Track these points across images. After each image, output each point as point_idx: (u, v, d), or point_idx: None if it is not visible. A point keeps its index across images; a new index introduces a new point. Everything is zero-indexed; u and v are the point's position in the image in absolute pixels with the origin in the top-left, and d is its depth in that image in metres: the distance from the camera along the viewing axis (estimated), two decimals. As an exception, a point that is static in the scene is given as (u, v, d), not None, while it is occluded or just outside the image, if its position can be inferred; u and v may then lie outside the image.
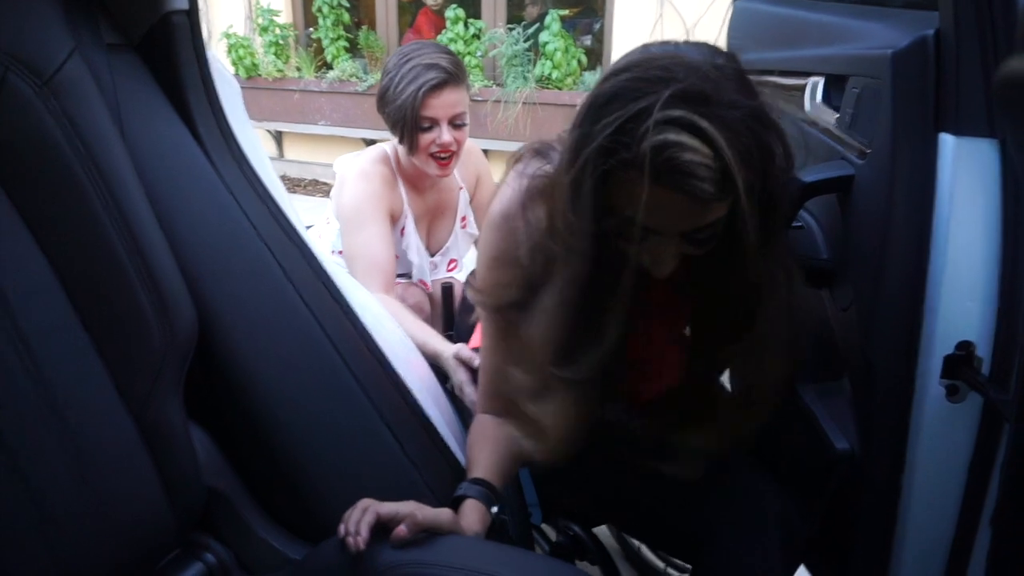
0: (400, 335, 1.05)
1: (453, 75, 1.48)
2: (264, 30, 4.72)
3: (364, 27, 4.83)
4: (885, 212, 0.83)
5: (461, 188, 1.74)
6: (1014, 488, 0.63)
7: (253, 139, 0.93)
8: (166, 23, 0.78)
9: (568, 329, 0.80)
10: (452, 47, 4.25)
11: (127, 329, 0.70)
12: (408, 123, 1.49)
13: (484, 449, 0.92)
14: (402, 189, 1.63)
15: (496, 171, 1.15)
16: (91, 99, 0.68)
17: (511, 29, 4.18)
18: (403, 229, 1.66)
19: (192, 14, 0.80)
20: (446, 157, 1.54)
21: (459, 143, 1.54)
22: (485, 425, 0.96)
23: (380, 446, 0.84)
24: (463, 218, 1.77)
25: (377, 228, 1.54)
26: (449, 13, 4.28)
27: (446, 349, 1.27)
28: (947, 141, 0.77)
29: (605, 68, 0.75)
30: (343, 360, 0.84)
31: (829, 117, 1.00)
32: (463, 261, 1.84)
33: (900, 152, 0.81)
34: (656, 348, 0.95)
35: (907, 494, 0.86)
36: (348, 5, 4.67)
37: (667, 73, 0.66)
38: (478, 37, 4.31)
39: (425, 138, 1.50)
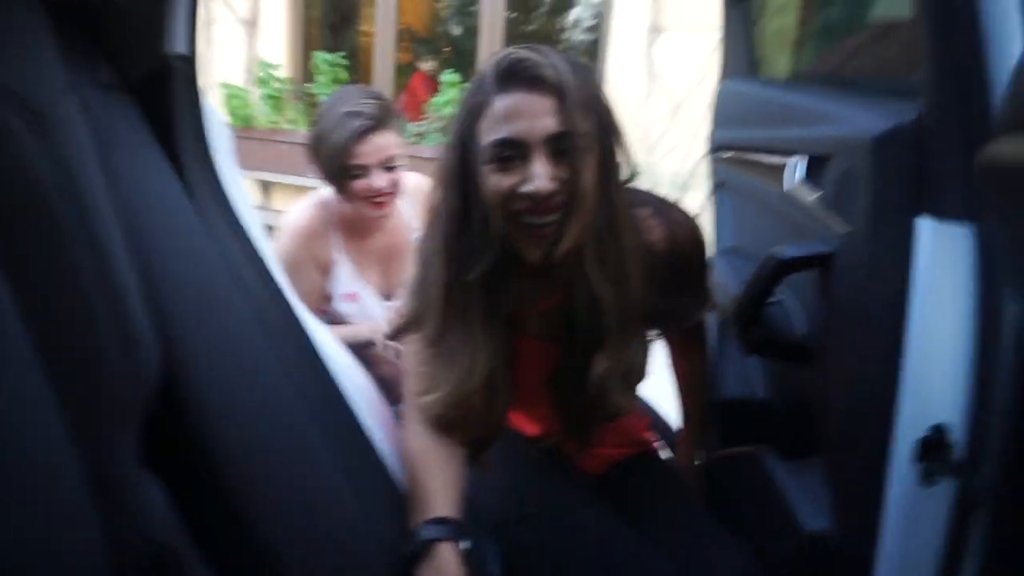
0: (364, 382, 1.04)
1: (379, 119, 1.49)
2: (263, 82, 4.81)
3: (360, 86, 4.94)
4: (863, 292, 0.84)
5: (414, 230, 1.68)
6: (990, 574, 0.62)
7: (240, 186, 0.94)
8: (165, 67, 0.79)
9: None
10: (446, 110, 4.35)
11: (89, 372, 0.67)
12: (338, 172, 1.50)
13: (436, 478, 0.90)
14: (334, 237, 1.63)
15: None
16: (80, 137, 0.68)
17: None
18: (338, 277, 1.65)
19: (191, 60, 0.81)
20: (382, 200, 1.55)
21: (394, 184, 1.55)
22: (429, 447, 0.93)
23: (339, 504, 0.81)
24: None
25: (298, 279, 1.51)
26: (445, 77, 4.40)
27: (364, 328, 1.55)
28: (925, 225, 0.79)
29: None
30: (308, 411, 0.82)
31: (810, 195, 1.03)
32: None
33: (879, 233, 0.82)
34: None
35: (881, 579, 0.84)
36: (347, 64, 4.79)
37: (493, 61, 0.85)
38: (472, 101, 4.41)
39: (358, 185, 1.51)
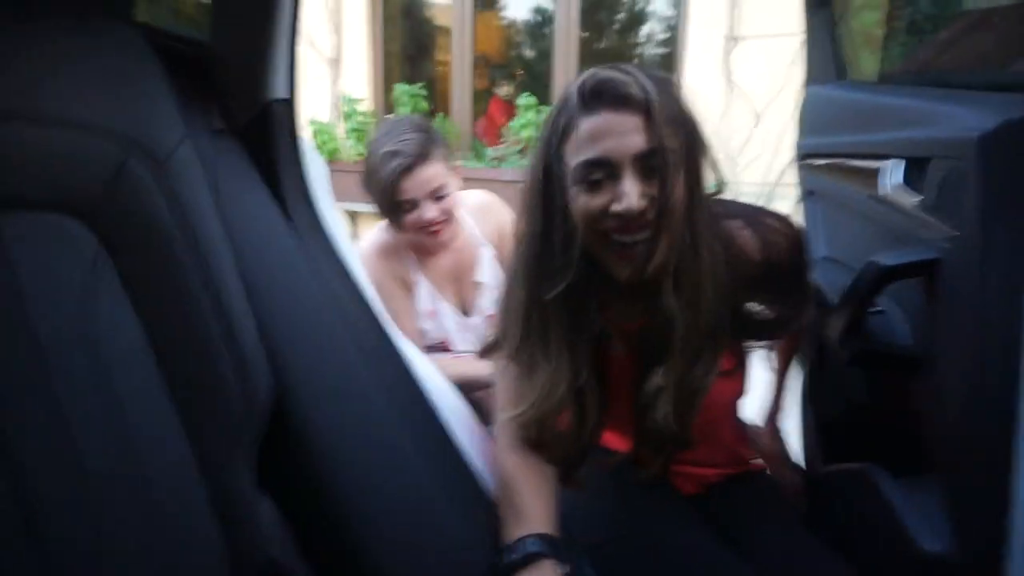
0: (463, 408, 1.05)
1: (418, 156, 1.50)
2: (347, 117, 5.01)
3: (440, 114, 5.07)
4: (978, 297, 0.80)
5: (481, 244, 1.72)
6: None
7: (336, 218, 0.98)
8: (268, 111, 0.84)
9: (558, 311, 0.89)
10: (523, 132, 4.40)
11: (210, 398, 0.72)
12: (388, 208, 1.54)
13: (533, 494, 0.89)
14: (409, 257, 1.66)
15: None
16: (196, 181, 0.73)
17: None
18: (419, 295, 1.68)
19: (291, 103, 0.86)
20: (435, 229, 1.56)
21: (446, 212, 1.56)
22: (525, 464, 0.92)
23: (438, 525, 0.83)
24: (494, 275, 1.75)
25: (395, 305, 1.58)
26: (521, 100, 4.46)
27: (482, 364, 1.42)
28: (1040, 225, 0.74)
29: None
30: (408, 435, 0.84)
31: (910, 199, 0.99)
32: None
33: (991, 236, 0.78)
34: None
35: (1013, 605, 0.78)
36: (426, 94, 4.93)
37: (578, 81, 0.85)
38: (548, 123, 4.45)
39: (410, 218, 1.54)
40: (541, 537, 0.84)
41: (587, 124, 0.82)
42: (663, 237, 0.83)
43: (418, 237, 1.60)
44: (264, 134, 0.86)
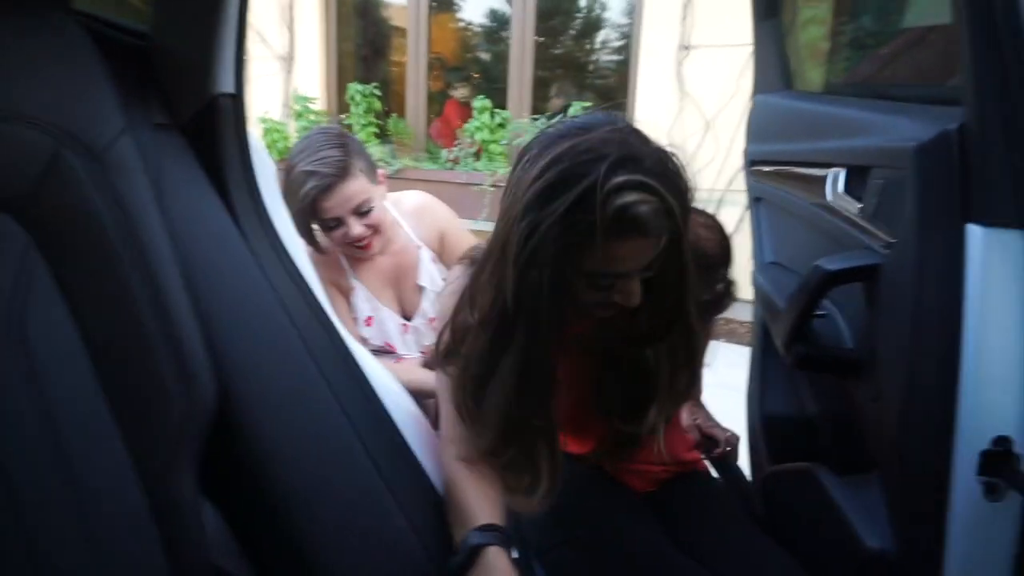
0: (414, 410, 1.04)
1: (336, 175, 1.45)
2: (299, 116, 4.93)
3: (394, 115, 5.03)
4: (914, 302, 0.82)
5: (419, 247, 1.69)
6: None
7: (285, 217, 0.96)
8: (213, 105, 0.81)
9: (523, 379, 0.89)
10: (478, 135, 4.40)
11: (149, 401, 0.69)
12: (310, 227, 1.50)
13: (472, 494, 0.89)
14: (343, 261, 1.63)
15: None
16: (136, 176, 0.71)
17: (535, 119, 4.32)
18: (356, 302, 1.65)
19: (238, 98, 0.84)
20: (363, 244, 1.53)
21: (374, 226, 1.52)
22: (463, 472, 0.92)
23: (392, 528, 0.82)
24: (432, 278, 1.72)
25: (333, 308, 1.55)
26: (476, 103, 4.46)
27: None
28: (975, 232, 0.77)
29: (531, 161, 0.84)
30: (360, 438, 0.83)
31: (852, 206, 1.02)
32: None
33: (927, 242, 0.81)
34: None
35: (947, 599, 0.81)
36: (380, 94, 4.88)
37: (594, 152, 0.78)
38: (503, 126, 4.46)
39: (336, 234, 1.51)
40: (483, 529, 0.84)
41: (615, 247, 0.80)
42: (650, 309, 0.89)
43: (346, 251, 1.57)
44: (209, 129, 0.83)
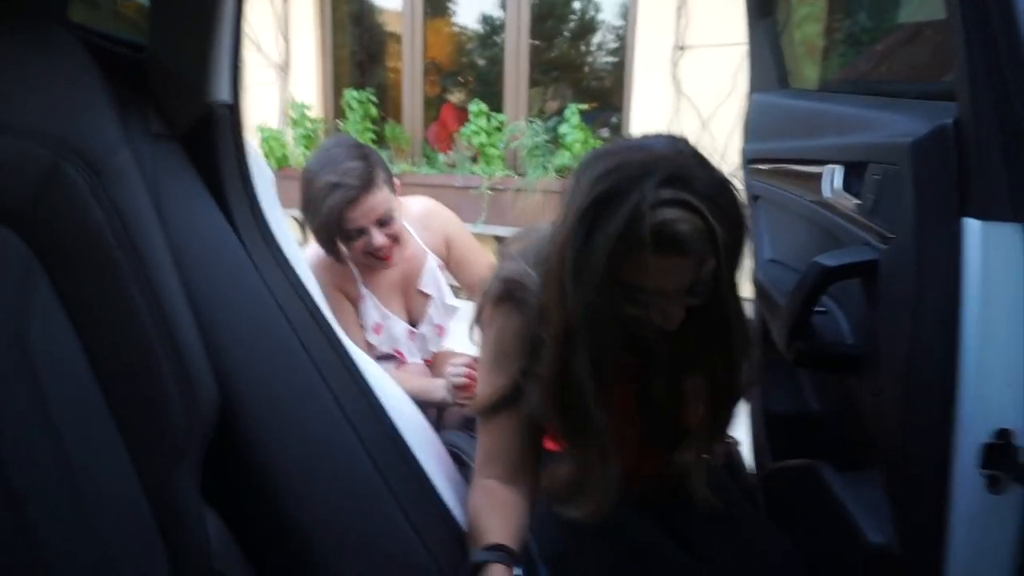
0: (416, 416, 1.05)
1: (361, 186, 1.46)
2: (296, 123, 4.94)
3: (391, 120, 5.04)
4: (913, 297, 0.82)
5: (427, 254, 1.70)
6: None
7: (284, 225, 0.96)
8: (210, 115, 0.82)
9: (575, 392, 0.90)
10: (475, 139, 4.41)
11: (151, 411, 0.70)
12: (335, 239, 1.50)
13: (494, 515, 0.93)
14: (354, 269, 1.63)
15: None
16: (136, 188, 0.71)
17: (532, 122, 4.33)
18: (365, 309, 1.65)
19: (235, 107, 0.84)
20: (384, 254, 1.53)
21: (395, 236, 1.53)
22: (491, 491, 0.97)
23: (397, 534, 0.82)
24: (438, 285, 1.74)
25: (336, 313, 1.54)
26: (472, 107, 4.46)
27: (438, 385, 1.54)
28: (972, 226, 0.77)
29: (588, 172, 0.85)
30: (362, 444, 0.83)
31: (849, 203, 1.02)
32: (448, 325, 1.81)
33: (925, 237, 0.81)
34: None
35: (951, 593, 0.81)
36: (376, 100, 4.89)
37: (646, 167, 0.80)
38: (500, 129, 4.47)
39: (356, 245, 1.51)
40: (489, 548, 0.87)
41: (651, 262, 0.80)
42: (695, 331, 0.90)
43: (364, 262, 1.57)
44: (207, 139, 0.83)
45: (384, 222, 1.51)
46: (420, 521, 0.84)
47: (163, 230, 0.72)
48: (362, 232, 1.50)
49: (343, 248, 1.55)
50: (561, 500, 0.97)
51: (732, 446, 1.37)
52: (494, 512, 0.94)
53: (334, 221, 1.46)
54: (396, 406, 0.92)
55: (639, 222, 0.78)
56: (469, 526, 0.94)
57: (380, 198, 1.50)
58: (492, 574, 0.84)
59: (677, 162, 0.81)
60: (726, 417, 1.03)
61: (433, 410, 1.59)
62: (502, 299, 0.98)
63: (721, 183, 0.83)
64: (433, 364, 1.80)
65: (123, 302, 0.66)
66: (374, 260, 1.55)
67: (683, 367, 0.96)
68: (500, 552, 0.87)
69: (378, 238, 1.50)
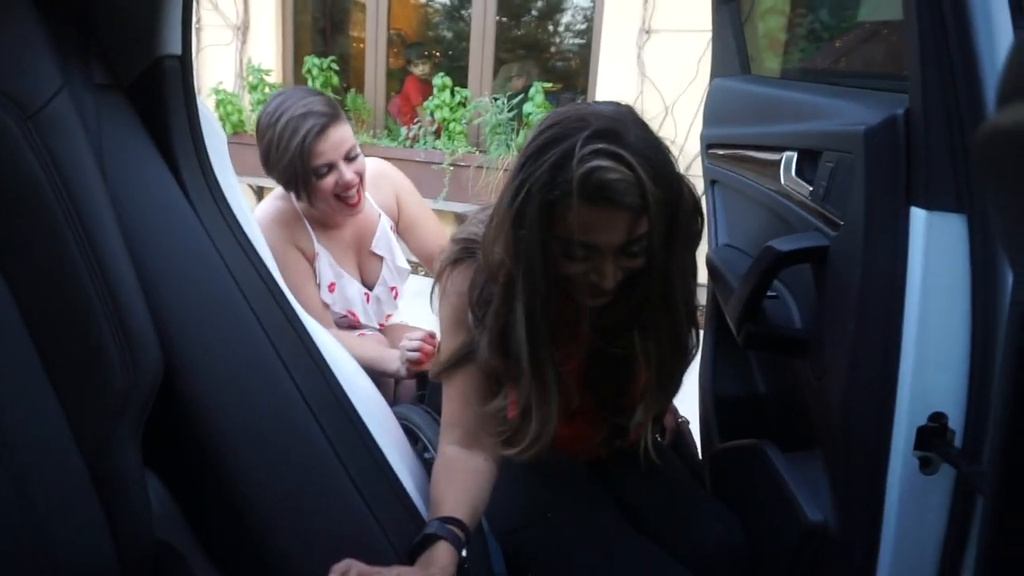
0: (369, 388, 1.03)
1: (331, 115, 1.47)
2: (254, 88, 4.80)
3: (352, 90, 4.94)
4: (860, 283, 0.84)
5: (380, 215, 1.70)
6: (991, 563, 0.62)
7: (235, 186, 0.93)
8: (158, 67, 0.78)
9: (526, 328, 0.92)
10: (438, 113, 4.36)
11: (89, 369, 0.67)
12: (303, 176, 1.48)
13: (452, 485, 0.93)
14: (309, 227, 1.62)
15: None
16: (75, 137, 0.68)
17: (496, 99, 4.30)
18: (320, 268, 1.64)
19: (185, 60, 0.81)
20: (353, 195, 1.53)
21: (360, 175, 1.53)
22: (452, 460, 0.97)
23: (346, 505, 0.81)
24: (389, 247, 1.74)
25: (294, 274, 1.53)
26: (436, 80, 4.40)
27: (392, 357, 1.53)
28: (918, 215, 0.79)
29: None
30: (312, 413, 0.82)
31: (803, 190, 1.03)
32: (403, 288, 1.81)
33: (873, 224, 0.83)
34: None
35: (882, 568, 0.84)
36: (338, 68, 4.78)
37: (583, 122, 0.83)
38: (464, 105, 4.42)
39: (325, 183, 1.49)
40: (446, 520, 0.87)
41: (582, 213, 0.82)
42: (632, 295, 0.92)
43: (331, 208, 1.54)
44: (155, 93, 0.80)
45: (351, 157, 1.51)
46: (369, 491, 0.83)
47: (104, 182, 0.69)
48: (331, 168, 1.48)
49: (304, 198, 1.53)
50: (506, 442, 0.98)
51: (683, 425, 1.40)
52: (452, 482, 0.94)
53: (306, 155, 1.44)
54: (349, 377, 0.91)
55: (568, 170, 0.80)
56: (432, 486, 0.95)
57: (346, 131, 1.50)
58: (437, 552, 0.84)
59: (613, 119, 0.83)
60: (671, 383, 1.05)
61: (391, 383, 1.58)
62: (459, 259, 1.00)
63: (656, 144, 0.85)
64: (387, 336, 1.79)
65: (58, 254, 0.63)
66: (342, 205, 1.53)
67: (628, 332, 0.98)
68: (453, 528, 0.87)
69: (347, 173, 1.49)
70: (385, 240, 1.71)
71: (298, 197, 1.55)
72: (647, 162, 0.81)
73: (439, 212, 4.06)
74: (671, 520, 1.10)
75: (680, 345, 1.00)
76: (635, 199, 0.81)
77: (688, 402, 1.45)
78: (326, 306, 1.66)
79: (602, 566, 1.02)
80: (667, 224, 0.85)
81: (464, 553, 0.87)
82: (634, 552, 1.05)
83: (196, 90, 0.86)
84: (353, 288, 1.69)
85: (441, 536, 0.85)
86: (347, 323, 1.74)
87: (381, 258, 1.72)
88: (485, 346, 0.96)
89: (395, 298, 1.81)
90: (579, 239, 0.84)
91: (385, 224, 1.70)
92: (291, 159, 1.45)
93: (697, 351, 1.09)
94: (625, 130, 0.82)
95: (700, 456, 1.43)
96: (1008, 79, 0.28)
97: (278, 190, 1.62)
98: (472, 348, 0.98)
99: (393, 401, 1.67)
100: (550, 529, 1.08)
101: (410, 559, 0.84)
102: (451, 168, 4.27)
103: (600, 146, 0.80)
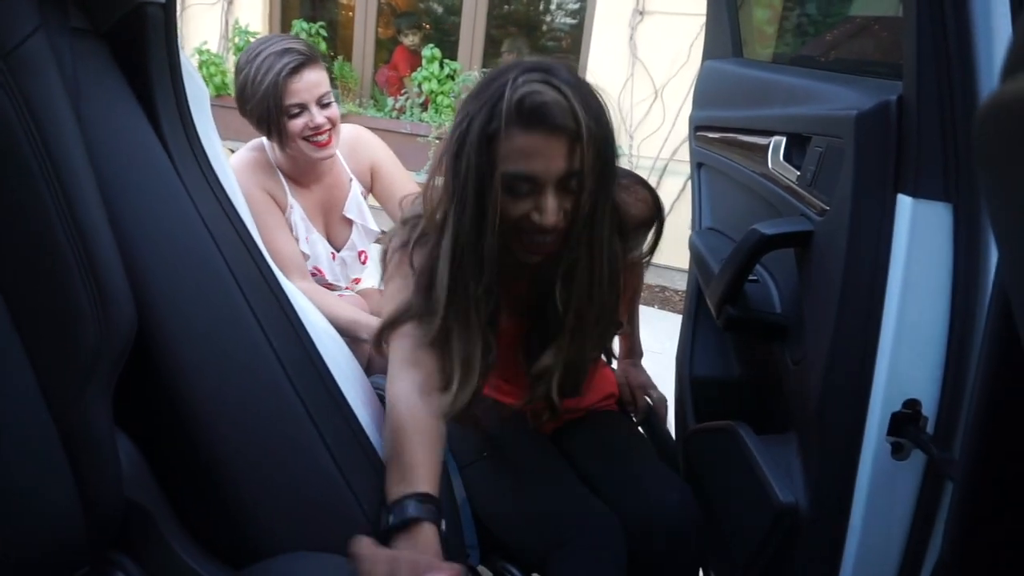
0: (342, 348, 1.02)
1: (309, 56, 1.49)
2: (239, 49, 4.70)
3: (340, 58, 4.86)
4: (843, 269, 0.85)
5: (351, 179, 1.71)
6: (956, 547, 0.63)
7: (216, 142, 0.91)
8: (139, 13, 0.75)
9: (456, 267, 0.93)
10: (426, 85, 4.30)
11: (60, 325, 0.65)
12: (274, 113, 1.48)
13: (421, 447, 0.88)
14: (283, 179, 1.63)
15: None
16: (50, 80, 0.65)
17: (485, 73, 4.25)
18: (291, 219, 1.65)
19: (168, 7, 0.78)
20: (324, 137, 1.54)
21: (332, 120, 1.54)
22: (415, 410, 0.92)
23: (317, 466, 0.80)
24: (360, 210, 1.75)
25: (267, 220, 1.55)
26: (426, 52, 4.34)
27: (365, 324, 1.55)
28: (905, 202, 0.79)
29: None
30: (286, 373, 0.80)
31: (790, 174, 1.03)
32: (370, 251, 1.82)
33: (859, 211, 0.83)
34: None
35: (849, 550, 0.85)
36: (326, 35, 4.70)
37: (517, 64, 0.89)
38: (452, 78, 4.37)
39: (296, 124, 1.50)
40: (423, 499, 0.83)
41: (520, 140, 0.86)
42: (570, 238, 0.94)
43: (301, 149, 1.54)
44: (135, 39, 0.77)
45: (324, 104, 1.53)
46: (341, 454, 0.82)
47: (80, 129, 0.66)
48: (303, 109, 1.50)
49: (275, 138, 1.54)
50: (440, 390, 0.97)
51: (659, 403, 1.40)
52: (422, 444, 0.88)
53: (280, 91, 1.46)
54: (324, 339, 0.89)
55: (502, 99, 0.85)
56: (394, 452, 0.88)
57: (321, 75, 1.52)
58: (424, 536, 0.80)
59: (544, 61, 0.89)
60: (596, 323, 1.03)
61: (366, 349, 1.57)
62: (405, 239, 1.03)
63: (587, 83, 0.90)
64: (365, 299, 1.79)
65: (30, 203, 0.61)
66: (311, 145, 1.53)
67: (560, 280, 0.98)
68: (430, 506, 0.83)
69: (318, 117, 1.51)
70: (356, 205, 1.72)
71: (269, 137, 1.55)
72: (578, 91, 0.86)
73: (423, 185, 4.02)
74: (622, 488, 1.11)
75: (598, 296, 1.00)
76: (569, 122, 0.84)
77: (665, 385, 1.46)
78: (305, 256, 1.67)
79: (527, 502, 1.09)
80: (597, 158, 0.88)
81: (443, 526, 0.85)
82: (564, 492, 1.10)
83: (180, 41, 0.83)
84: (321, 246, 1.70)
85: (426, 518, 0.81)
86: (315, 280, 1.75)
87: (351, 222, 1.73)
88: (413, 285, 0.98)
89: (363, 262, 1.82)
90: (520, 170, 0.87)
91: (356, 190, 1.71)
92: (264, 94, 1.46)
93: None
94: (557, 67, 0.88)
95: (674, 436, 1.44)
96: (1017, 50, 0.27)
97: (252, 142, 1.63)
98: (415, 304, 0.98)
99: (368, 371, 1.67)
100: (491, 462, 1.16)
101: (387, 536, 0.80)
102: (437, 141, 4.23)
103: (533, 77, 0.86)
